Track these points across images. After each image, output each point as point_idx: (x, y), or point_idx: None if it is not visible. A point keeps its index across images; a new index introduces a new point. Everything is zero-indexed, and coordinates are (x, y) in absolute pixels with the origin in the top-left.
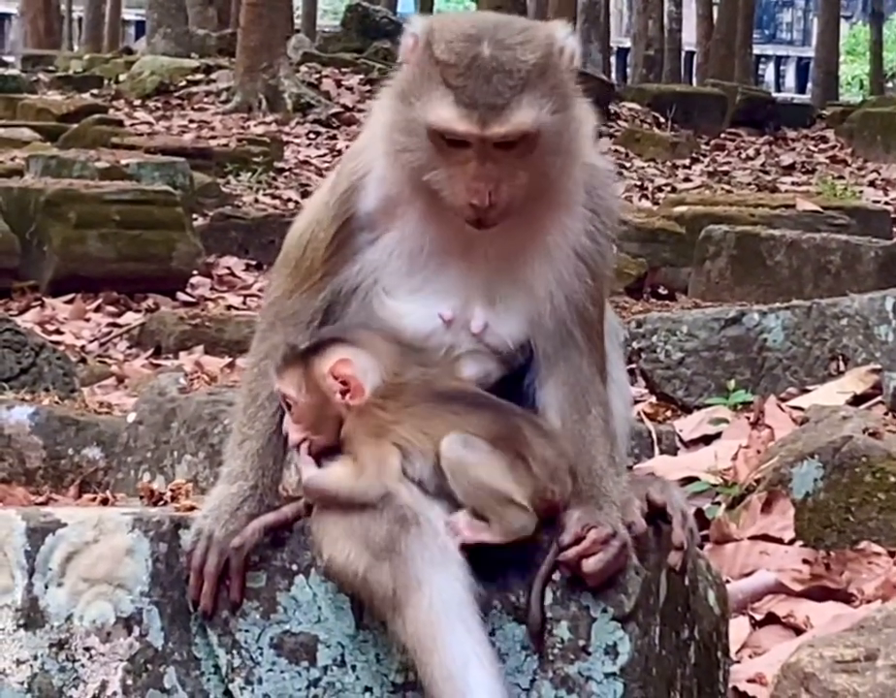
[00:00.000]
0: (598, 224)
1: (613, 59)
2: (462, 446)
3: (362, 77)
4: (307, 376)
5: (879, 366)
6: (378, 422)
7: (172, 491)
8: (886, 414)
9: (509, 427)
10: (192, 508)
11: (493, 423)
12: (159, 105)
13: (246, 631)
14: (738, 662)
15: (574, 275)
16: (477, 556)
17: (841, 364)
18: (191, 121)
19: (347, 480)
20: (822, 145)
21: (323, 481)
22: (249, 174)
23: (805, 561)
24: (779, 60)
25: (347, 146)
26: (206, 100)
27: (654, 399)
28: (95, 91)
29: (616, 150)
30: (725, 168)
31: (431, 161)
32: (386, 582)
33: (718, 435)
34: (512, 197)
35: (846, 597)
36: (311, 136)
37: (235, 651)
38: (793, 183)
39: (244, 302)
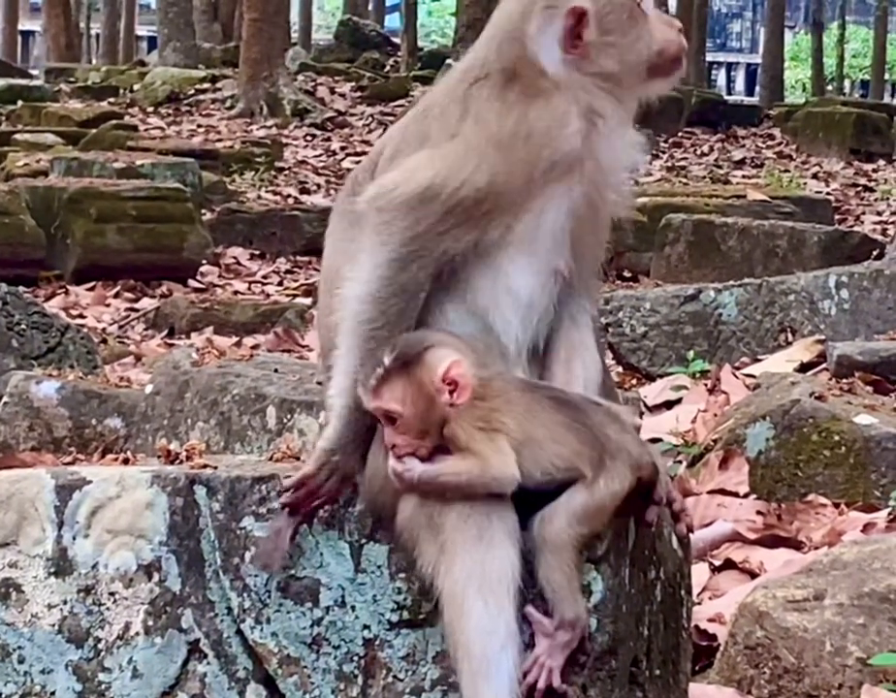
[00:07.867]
0: None
1: None
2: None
3: (353, 84)
4: (412, 386)
5: (823, 337)
6: (481, 414)
7: (186, 451)
8: (830, 379)
9: (589, 427)
10: (205, 466)
11: (573, 422)
12: (170, 111)
13: (255, 576)
14: (699, 604)
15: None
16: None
17: (789, 335)
18: (199, 126)
19: (473, 470)
20: (770, 142)
21: (442, 474)
22: (252, 172)
23: (758, 512)
24: (729, 66)
25: (342, 147)
26: (212, 107)
27: (620, 369)
28: (112, 100)
29: None
30: (683, 163)
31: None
32: (456, 523)
33: (678, 401)
34: None
35: (795, 544)
36: (308, 138)
37: (245, 594)
38: (744, 176)
39: (249, 288)
